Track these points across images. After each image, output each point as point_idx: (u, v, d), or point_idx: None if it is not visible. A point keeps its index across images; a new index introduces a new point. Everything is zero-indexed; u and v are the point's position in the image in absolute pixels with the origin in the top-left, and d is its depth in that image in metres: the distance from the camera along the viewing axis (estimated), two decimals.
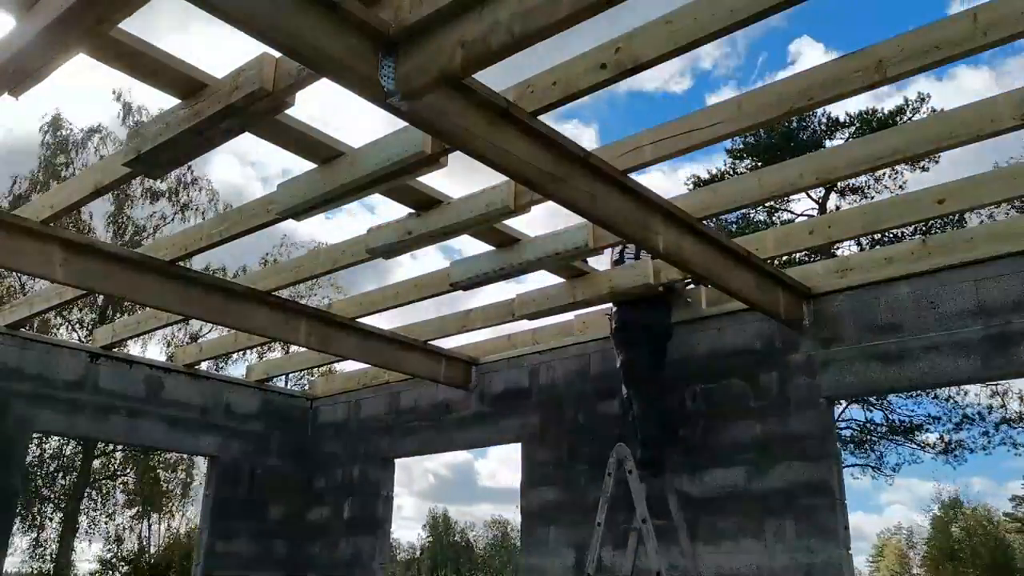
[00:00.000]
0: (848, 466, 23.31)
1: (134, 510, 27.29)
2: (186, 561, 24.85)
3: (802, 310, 5.36)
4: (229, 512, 7.68)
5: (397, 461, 7.92)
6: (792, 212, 23.29)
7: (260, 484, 7.92)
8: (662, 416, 5.50)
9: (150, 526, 28.84)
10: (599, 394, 6.24)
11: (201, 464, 24.75)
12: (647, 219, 4.13)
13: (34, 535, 25.08)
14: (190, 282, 5.39)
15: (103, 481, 25.94)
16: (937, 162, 22.73)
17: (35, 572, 25.41)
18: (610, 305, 5.78)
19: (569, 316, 6.62)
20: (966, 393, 21.40)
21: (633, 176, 4.06)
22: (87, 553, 27.53)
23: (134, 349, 20.94)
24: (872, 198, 22.77)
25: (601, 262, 5.72)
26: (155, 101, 23.78)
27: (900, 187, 22.91)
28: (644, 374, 5.52)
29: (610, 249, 5.38)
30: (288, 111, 3.49)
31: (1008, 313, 4.63)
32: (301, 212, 4.28)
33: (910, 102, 22.49)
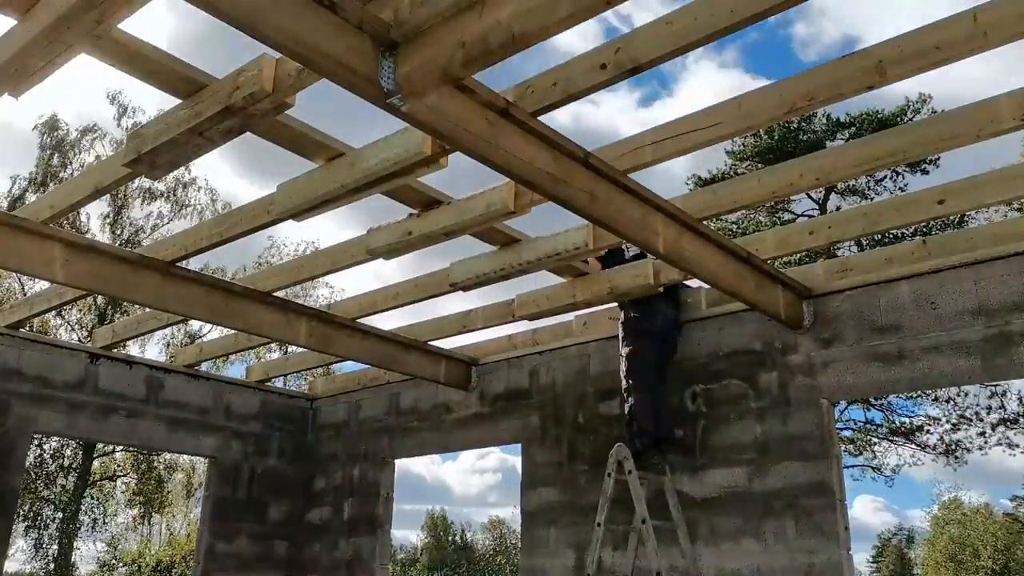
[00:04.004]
0: (848, 467, 23.32)
1: (135, 511, 27.30)
2: (187, 562, 24.88)
3: (802, 310, 5.36)
4: (229, 512, 7.68)
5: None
6: (792, 212, 23.28)
7: (260, 484, 7.92)
8: (659, 409, 5.51)
9: (151, 527, 28.85)
10: (599, 394, 6.24)
11: (201, 465, 24.75)
12: (647, 219, 4.13)
13: (35, 536, 25.07)
14: (190, 282, 5.39)
15: (103, 482, 25.94)
16: (938, 166, 22.74)
17: (36, 573, 25.40)
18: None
19: (569, 316, 6.62)
20: (966, 394, 21.40)
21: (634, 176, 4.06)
22: (87, 554, 27.47)
23: (134, 350, 20.98)
24: (872, 199, 22.76)
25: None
26: (152, 101, 23.78)
27: (901, 188, 22.92)
28: (648, 364, 5.56)
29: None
30: (288, 111, 3.49)
31: (1008, 313, 4.63)
32: (301, 212, 4.28)
33: (911, 102, 22.49)
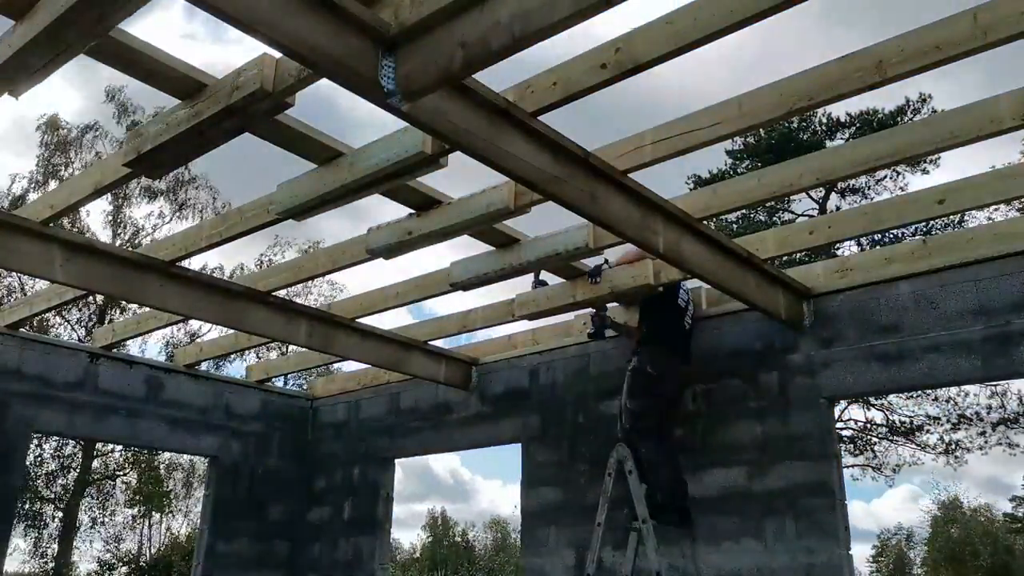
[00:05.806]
0: (848, 466, 23.30)
1: (135, 510, 27.28)
2: (187, 561, 24.87)
3: (802, 310, 5.36)
4: (229, 512, 7.68)
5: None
6: (792, 212, 23.27)
7: (260, 484, 7.91)
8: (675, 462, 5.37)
9: (150, 526, 28.83)
10: (599, 394, 6.23)
11: (201, 465, 24.76)
12: (647, 219, 4.13)
13: (35, 535, 25.06)
14: (190, 282, 5.39)
15: (103, 481, 25.92)
16: (938, 165, 22.74)
17: (36, 573, 25.40)
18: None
19: (569, 316, 6.62)
20: (967, 394, 21.40)
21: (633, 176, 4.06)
22: (87, 553, 27.46)
23: (134, 349, 20.97)
24: (872, 198, 22.75)
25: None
26: (150, 99, 23.57)
27: (901, 188, 22.92)
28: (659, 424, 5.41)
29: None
30: (288, 111, 3.49)
31: (1008, 313, 4.63)
32: (301, 212, 4.28)
33: (911, 102, 22.47)
